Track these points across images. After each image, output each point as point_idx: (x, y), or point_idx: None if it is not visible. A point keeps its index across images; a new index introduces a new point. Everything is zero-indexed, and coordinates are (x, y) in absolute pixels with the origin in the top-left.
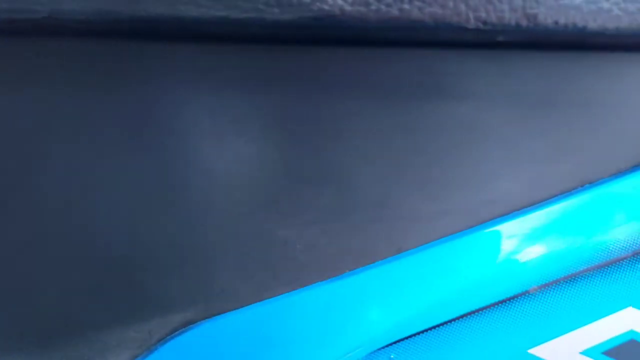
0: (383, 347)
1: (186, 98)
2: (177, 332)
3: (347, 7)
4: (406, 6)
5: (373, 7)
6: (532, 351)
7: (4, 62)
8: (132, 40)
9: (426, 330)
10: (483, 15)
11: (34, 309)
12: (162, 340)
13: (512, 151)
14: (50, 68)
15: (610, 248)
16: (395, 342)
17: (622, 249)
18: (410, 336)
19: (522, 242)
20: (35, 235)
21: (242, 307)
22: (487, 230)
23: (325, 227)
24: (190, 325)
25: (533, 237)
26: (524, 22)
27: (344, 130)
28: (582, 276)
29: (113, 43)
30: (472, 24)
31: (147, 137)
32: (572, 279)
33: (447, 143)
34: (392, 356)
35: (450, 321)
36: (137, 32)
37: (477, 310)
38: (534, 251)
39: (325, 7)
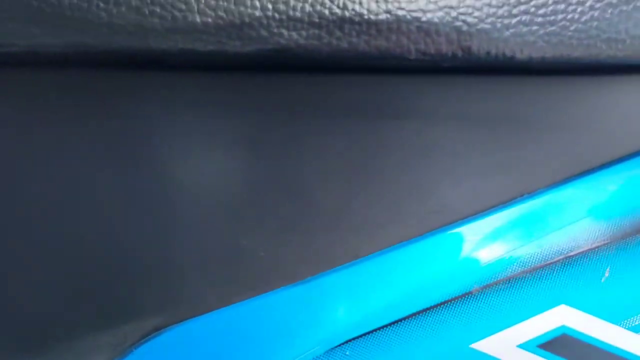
0: (339, 345)
1: (156, 121)
2: (149, 337)
3: (302, 41)
4: (354, 40)
5: (325, 41)
6: (473, 346)
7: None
8: (106, 70)
9: (378, 329)
10: (422, 47)
11: (14, 317)
12: (136, 344)
13: (456, 165)
14: (31, 97)
15: (544, 252)
16: (350, 340)
17: (555, 253)
18: (364, 334)
19: (466, 247)
20: (14, 248)
21: (208, 312)
22: (435, 237)
23: (287, 237)
24: (161, 330)
25: (476, 243)
26: (459, 53)
27: (304, 148)
28: (519, 278)
29: (88, 73)
30: (413, 54)
31: (117, 157)
32: (510, 280)
33: (398, 159)
34: (347, 353)
35: (400, 320)
36: (111, 63)
37: (425, 310)
38: (477, 255)
39: (282, 40)
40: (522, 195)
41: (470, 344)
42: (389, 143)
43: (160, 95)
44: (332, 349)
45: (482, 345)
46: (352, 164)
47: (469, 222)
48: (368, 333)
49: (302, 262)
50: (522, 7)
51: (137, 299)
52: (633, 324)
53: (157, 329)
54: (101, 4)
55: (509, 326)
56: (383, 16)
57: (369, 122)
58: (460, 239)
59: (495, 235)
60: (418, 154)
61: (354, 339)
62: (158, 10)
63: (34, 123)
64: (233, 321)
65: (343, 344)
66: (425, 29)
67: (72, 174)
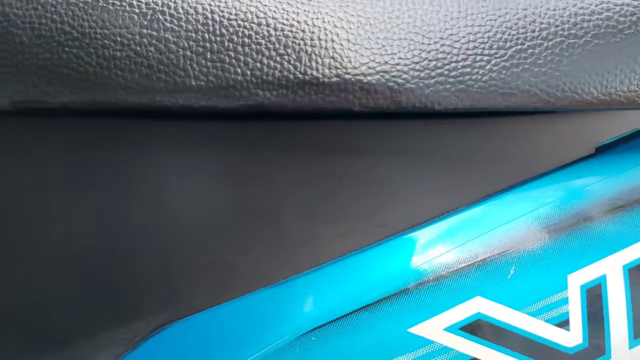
0: (306, 332)
1: (160, 157)
2: (156, 332)
3: (273, 98)
4: (313, 97)
5: (290, 98)
6: (410, 330)
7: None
8: (119, 120)
9: (336, 320)
10: (364, 101)
11: (34, 317)
12: (144, 338)
13: (394, 189)
14: (59, 141)
15: (464, 256)
16: (314, 329)
17: (472, 257)
18: (325, 324)
19: (405, 254)
20: (35, 254)
21: (204, 309)
22: (380, 247)
23: (263, 249)
24: (166, 326)
25: (412, 250)
26: (392, 106)
27: (275, 179)
28: (444, 276)
29: (103, 122)
30: (357, 107)
31: (128, 185)
32: (438, 278)
33: (349, 185)
34: (312, 339)
35: (354, 311)
36: (126, 115)
37: (373, 303)
38: (413, 260)
39: (258, 98)
40: (445, 213)
41: (407, 328)
42: (342, 174)
43: (163, 138)
44: (301, 335)
45: (417, 330)
46: (315, 190)
47: (406, 234)
48: (328, 323)
49: (275, 269)
50: (438, 71)
51: (146, 300)
52: (531, 310)
53: (163, 325)
54: (119, 72)
55: (437, 314)
56: (334, 79)
57: (326, 157)
58: (399, 248)
59: (426, 245)
60: (365, 182)
61: (317, 328)
62: (163, 76)
63: (63, 160)
64: (225, 317)
65: (309, 331)
66: (366, 89)
67: (92, 197)
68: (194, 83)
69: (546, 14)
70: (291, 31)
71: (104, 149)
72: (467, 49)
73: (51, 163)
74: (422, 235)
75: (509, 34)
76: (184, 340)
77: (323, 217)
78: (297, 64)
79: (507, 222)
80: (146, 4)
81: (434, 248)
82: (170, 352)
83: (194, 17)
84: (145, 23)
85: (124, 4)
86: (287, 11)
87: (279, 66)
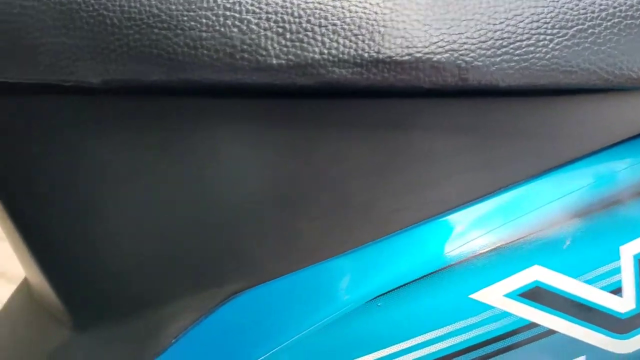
0: (373, 298)
1: (231, 137)
2: (228, 299)
3: (348, 76)
4: (385, 74)
5: (364, 75)
6: (472, 296)
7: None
8: (194, 99)
9: (403, 286)
10: (434, 79)
11: (110, 285)
12: (218, 305)
13: (450, 166)
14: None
15: (523, 228)
16: (381, 295)
17: (531, 229)
18: (392, 289)
19: (465, 224)
20: (113, 225)
21: (275, 278)
22: (439, 219)
23: (329, 221)
24: (238, 293)
25: (473, 221)
26: (459, 83)
27: (340, 153)
28: (506, 246)
29: (177, 101)
30: (427, 84)
31: (198, 161)
32: (499, 247)
33: (411, 161)
34: (379, 304)
35: (415, 280)
36: (207, 93)
37: (435, 272)
38: (476, 230)
39: (334, 76)
40: (503, 187)
41: (469, 294)
42: (405, 149)
43: (237, 116)
44: (368, 301)
45: (478, 296)
46: (379, 164)
47: (466, 207)
48: (393, 289)
49: (342, 239)
50: (504, 49)
51: (219, 268)
52: (586, 279)
53: (235, 293)
54: (205, 52)
55: (497, 281)
56: (406, 58)
57: (390, 133)
58: (461, 220)
59: (485, 217)
60: (428, 157)
61: (382, 294)
62: (246, 55)
63: (147, 137)
64: (295, 284)
65: (375, 298)
66: (435, 66)
67: (171, 171)
68: (274, 62)
69: None
70: (364, 13)
71: (181, 126)
72: (531, 29)
73: (135, 140)
74: (482, 208)
75: (570, 15)
76: (255, 307)
77: (387, 190)
78: (371, 43)
79: (562, 196)
80: None
81: (494, 220)
82: (241, 319)
83: (274, 0)
84: (229, 5)
85: None
86: None
87: (354, 45)
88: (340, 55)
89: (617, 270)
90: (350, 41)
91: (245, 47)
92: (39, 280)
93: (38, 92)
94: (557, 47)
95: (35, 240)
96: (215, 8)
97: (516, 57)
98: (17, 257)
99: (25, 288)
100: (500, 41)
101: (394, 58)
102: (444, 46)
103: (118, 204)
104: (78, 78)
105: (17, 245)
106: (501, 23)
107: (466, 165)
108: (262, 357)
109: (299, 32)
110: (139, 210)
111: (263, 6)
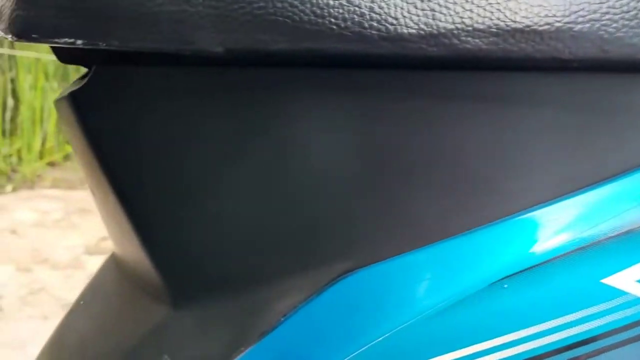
0: (499, 280)
1: (339, 109)
2: (336, 279)
3: (483, 46)
4: (522, 45)
5: (500, 46)
6: (603, 281)
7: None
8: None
9: (530, 268)
10: (574, 50)
11: (218, 262)
12: (326, 285)
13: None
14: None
15: None
16: (506, 277)
17: None
18: (518, 272)
19: (596, 205)
20: (226, 204)
21: (386, 259)
22: (567, 199)
23: (444, 200)
24: (347, 274)
25: (604, 202)
26: (600, 55)
27: (462, 129)
28: (637, 229)
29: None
30: (566, 55)
31: (309, 135)
32: (629, 231)
33: (530, 141)
34: (505, 286)
35: (544, 262)
36: (334, 63)
37: (565, 254)
38: (607, 212)
39: (469, 46)
40: (635, 167)
41: (601, 279)
42: (531, 126)
43: (340, 88)
44: (493, 283)
45: (610, 280)
46: (504, 141)
47: (596, 187)
48: (521, 271)
49: (464, 218)
50: None
51: (328, 247)
52: None
53: (346, 273)
54: (332, 20)
55: (630, 266)
56: (545, 27)
57: (516, 108)
58: (590, 201)
59: (616, 198)
60: (553, 135)
61: (509, 276)
62: (375, 24)
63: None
64: (412, 265)
65: (501, 279)
66: (576, 37)
67: (276, 144)
68: (405, 31)
69: None
70: None
71: (292, 99)
72: None
73: (245, 113)
74: (613, 189)
75: None
76: (366, 287)
77: (513, 168)
78: (508, 11)
79: None
80: None
81: (625, 202)
82: (352, 300)
83: None
84: None
85: None
86: None
87: (489, 14)
88: (475, 25)
89: None
90: (486, 10)
91: (374, 15)
92: (136, 257)
93: (155, 61)
94: None
95: (138, 215)
96: None
97: None
98: (109, 233)
99: (112, 265)
100: None
101: (532, 27)
102: (585, 15)
103: (223, 179)
104: (199, 47)
105: (115, 221)
106: None
107: (596, 144)
108: (375, 341)
109: (430, 1)
110: (244, 186)
111: None
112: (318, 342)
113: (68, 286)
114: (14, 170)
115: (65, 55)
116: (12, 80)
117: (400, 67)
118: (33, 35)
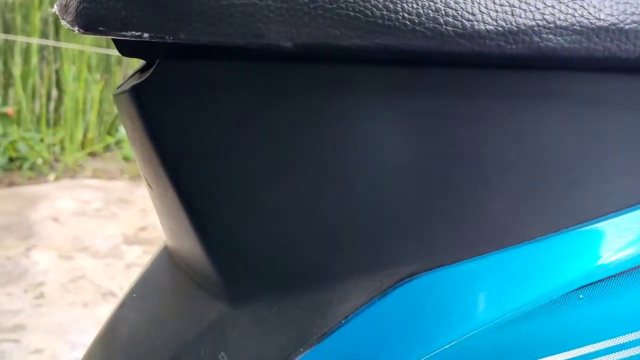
0: (574, 290)
1: (407, 105)
2: (403, 281)
3: (565, 44)
4: (607, 44)
5: (584, 44)
6: None
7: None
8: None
9: (604, 279)
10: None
11: (285, 259)
12: (392, 287)
13: None
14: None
15: None
16: (582, 287)
17: None
18: (594, 282)
19: None
20: (289, 202)
21: (456, 262)
22: None
23: (521, 205)
24: (414, 276)
25: None
26: None
27: (539, 130)
28: None
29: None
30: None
31: (368, 132)
32: None
33: (609, 144)
34: (580, 296)
35: (625, 272)
36: (404, 60)
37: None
38: None
39: (550, 44)
40: None
41: None
42: (612, 128)
43: (398, 85)
44: (568, 293)
45: None
46: (581, 144)
47: None
48: (600, 281)
49: (536, 224)
50: None
51: (395, 249)
52: None
53: (409, 276)
54: (406, 15)
55: None
56: (632, 25)
57: (597, 110)
58: None
59: None
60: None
61: (585, 286)
62: (451, 20)
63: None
64: (481, 270)
65: (577, 289)
66: None
67: (344, 146)
68: (483, 27)
69: None
70: None
71: (363, 97)
72: None
73: (313, 108)
74: None
75: None
76: (434, 292)
77: (592, 173)
78: (592, 9)
79: None
80: None
81: None
82: (417, 304)
83: None
84: None
85: None
86: None
87: (572, 11)
88: (557, 22)
89: None
90: (568, 6)
91: (449, 10)
92: (193, 252)
93: (221, 55)
94: None
95: (198, 211)
96: None
97: None
98: (163, 227)
99: (165, 258)
100: None
101: (618, 25)
102: None
103: (289, 176)
104: (268, 41)
105: (172, 215)
106: None
107: None
108: (441, 349)
109: None
110: (311, 184)
111: None
112: (381, 346)
113: (107, 275)
114: (56, 160)
115: (127, 48)
116: (57, 72)
117: (478, 66)
118: (100, 28)
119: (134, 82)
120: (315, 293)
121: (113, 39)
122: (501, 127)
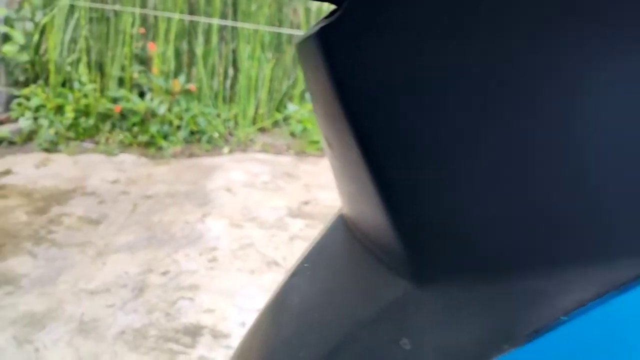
0: None
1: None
2: None
3: None
4: None
5: None
6: None
7: None
8: None
9: None
10: None
11: (497, 240)
12: (628, 281)
13: None
14: None
15: None
16: None
17: None
18: None
19: None
20: (499, 170)
21: None
22: None
23: None
24: None
25: None
26: None
27: None
28: None
29: None
30: None
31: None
32: None
33: None
34: None
35: None
36: None
37: None
38: None
39: None
40: None
41: None
42: None
43: None
44: None
45: None
46: None
47: None
48: None
49: None
50: None
51: (631, 235)
52: None
53: None
54: None
55: None
56: None
57: None
58: None
59: None
60: None
61: None
62: None
63: None
64: None
65: None
66: None
67: (564, 112)
68: None
69: None
70: None
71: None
72: None
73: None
74: None
75: None
76: None
77: None
78: None
79: None
80: None
81: None
82: None
83: None
84: None
85: None
86: None
87: None
88: None
89: None
90: None
91: None
92: (375, 222)
93: None
94: None
95: (385, 175)
96: None
97: None
98: (340, 192)
99: (341, 227)
100: None
101: None
102: None
103: (501, 138)
104: None
105: (353, 179)
106: None
107: None
108: None
109: None
110: (528, 148)
111: None
112: (613, 352)
113: (272, 245)
114: (230, 134)
115: None
116: (234, 51)
117: None
118: None
119: (317, 27)
120: (525, 281)
121: None
122: None
